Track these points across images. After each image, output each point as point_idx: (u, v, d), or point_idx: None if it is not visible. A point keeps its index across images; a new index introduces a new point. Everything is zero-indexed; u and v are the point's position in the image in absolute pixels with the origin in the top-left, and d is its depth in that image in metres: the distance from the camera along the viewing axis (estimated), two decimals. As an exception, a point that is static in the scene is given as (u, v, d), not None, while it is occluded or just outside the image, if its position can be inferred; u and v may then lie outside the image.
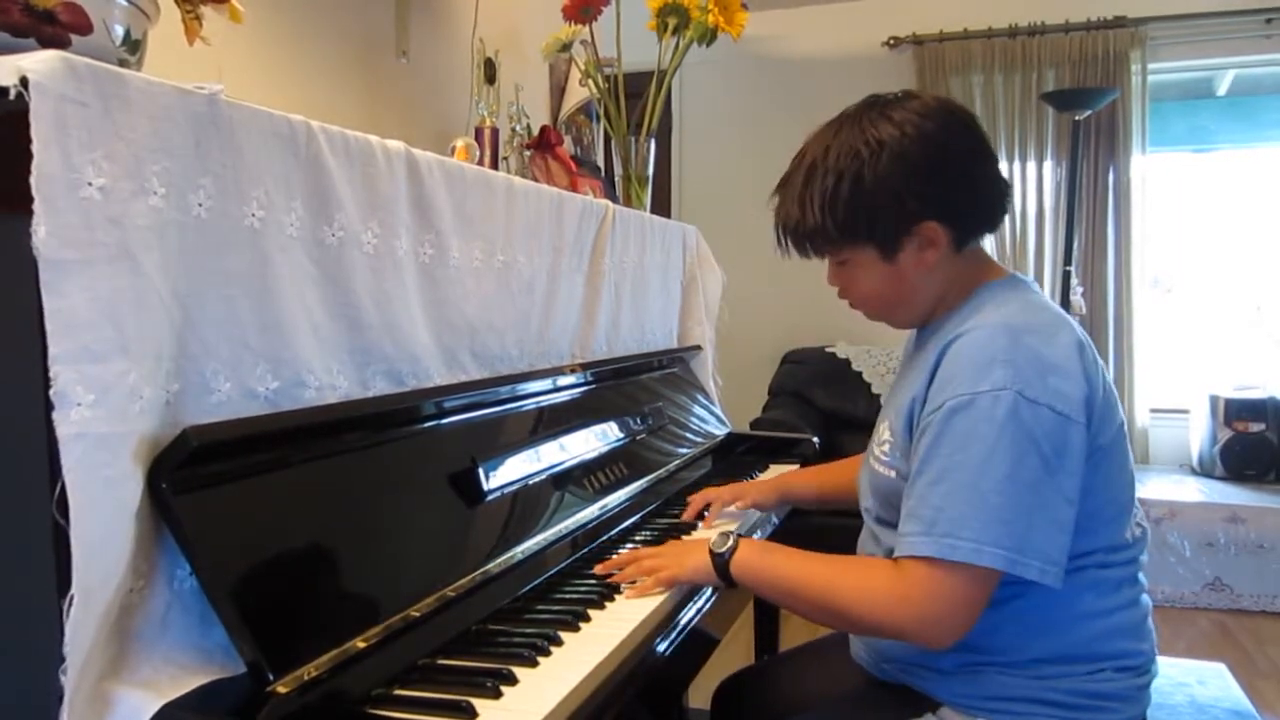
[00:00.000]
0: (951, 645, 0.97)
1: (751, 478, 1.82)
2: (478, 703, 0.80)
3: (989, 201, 1.10)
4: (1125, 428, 1.06)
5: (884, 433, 1.12)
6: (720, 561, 1.10)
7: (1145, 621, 1.09)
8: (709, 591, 1.17)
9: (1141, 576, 1.10)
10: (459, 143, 1.70)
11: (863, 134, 1.06)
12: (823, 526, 1.66)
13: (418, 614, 0.92)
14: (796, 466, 1.93)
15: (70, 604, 0.66)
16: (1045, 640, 1.03)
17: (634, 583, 1.13)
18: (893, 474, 1.08)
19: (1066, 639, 1.03)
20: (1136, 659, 1.06)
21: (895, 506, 1.07)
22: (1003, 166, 3.36)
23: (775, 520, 1.57)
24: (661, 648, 1.02)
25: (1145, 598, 1.10)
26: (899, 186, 1.04)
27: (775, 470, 1.90)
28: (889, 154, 1.04)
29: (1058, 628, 1.03)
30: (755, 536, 1.44)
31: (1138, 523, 1.09)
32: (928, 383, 1.02)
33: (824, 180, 1.07)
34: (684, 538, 1.39)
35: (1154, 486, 3.49)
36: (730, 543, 1.11)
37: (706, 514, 1.48)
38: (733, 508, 1.50)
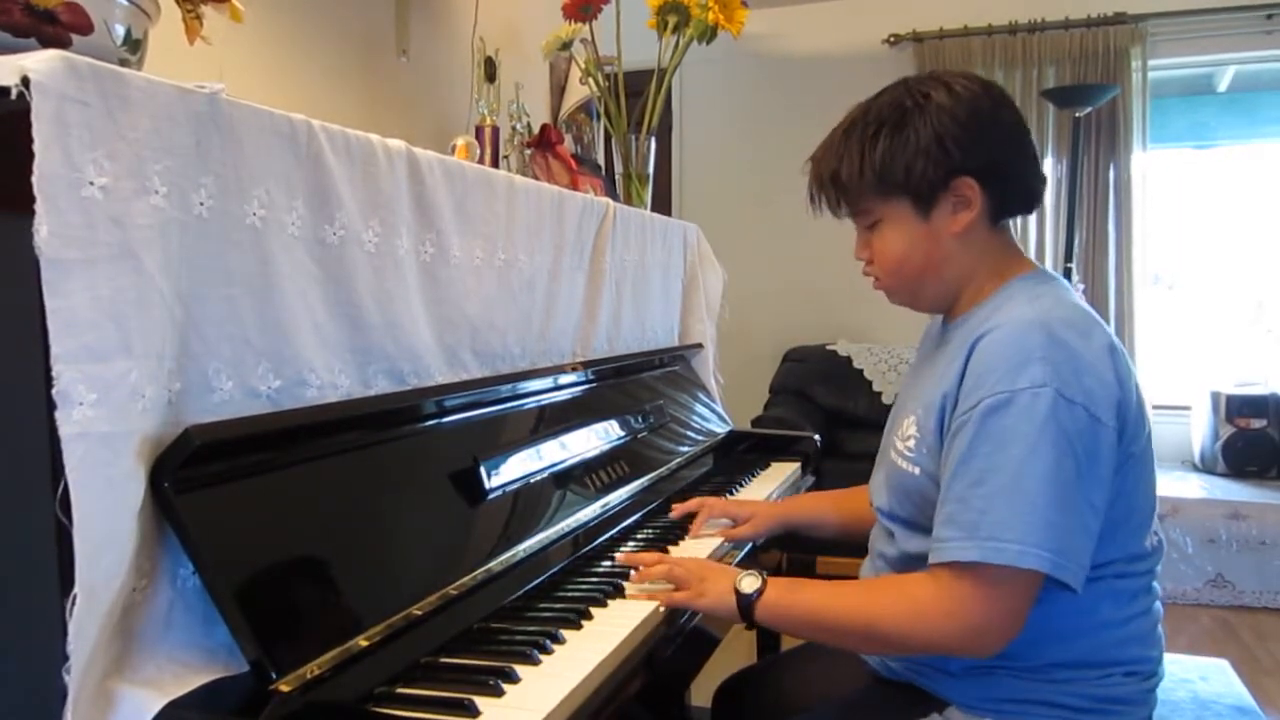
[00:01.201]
0: (1000, 651, 0.95)
1: (754, 475, 1.82)
2: (480, 701, 0.80)
3: (1027, 176, 1.08)
4: (1152, 436, 1.04)
5: (909, 428, 1.09)
6: (745, 603, 1.05)
7: (1156, 628, 1.08)
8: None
9: (1156, 585, 1.08)
10: (459, 141, 1.70)
11: (908, 91, 1.07)
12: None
13: (420, 612, 0.92)
14: (797, 465, 1.93)
15: (73, 603, 0.66)
16: (1059, 647, 1.02)
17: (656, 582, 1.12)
18: (917, 471, 1.06)
19: (1080, 646, 1.02)
20: (1146, 664, 1.05)
21: (915, 504, 1.06)
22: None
23: (756, 542, 1.45)
24: (663, 646, 1.02)
25: (1158, 605, 1.09)
26: (941, 133, 1.03)
27: (776, 469, 1.90)
28: (934, 106, 1.04)
29: (1073, 635, 1.02)
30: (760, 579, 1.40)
31: (1154, 532, 1.07)
32: (959, 379, 1.00)
33: (864, 130, 1.07)
34: (679, 545, 1.36)
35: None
36: (758, 584, 1.06)
37: (693, 523, 1.41)
38: (715, 532, 1.40)
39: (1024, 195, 1.09)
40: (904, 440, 1.10)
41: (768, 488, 1.74)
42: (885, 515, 1.16)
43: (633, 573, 1.15)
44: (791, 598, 1.05)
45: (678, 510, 1.43)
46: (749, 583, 1.06)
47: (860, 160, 1.06)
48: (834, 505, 1.46)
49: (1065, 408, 0.92)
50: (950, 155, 1.03)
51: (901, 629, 0.98)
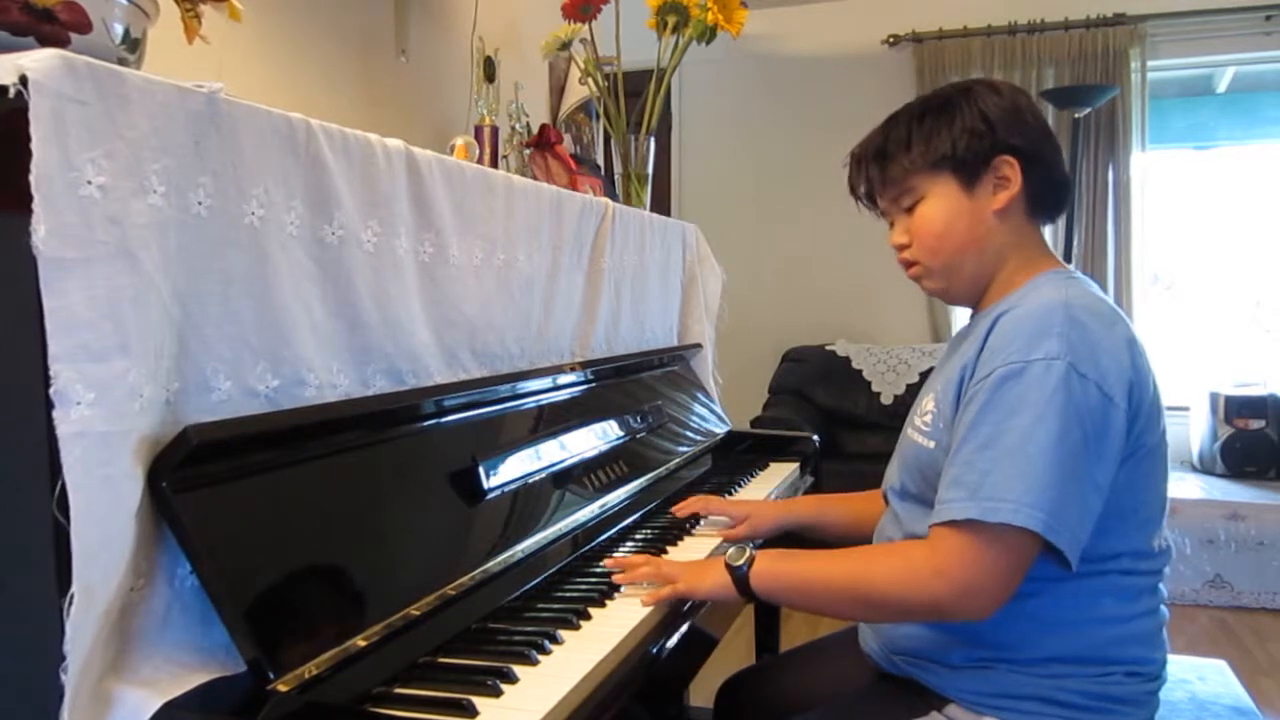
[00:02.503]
0: (990, 615, 0.96)
1: (752, 475, 1.82)
2: (478, 701, 0.80)
3: (1058, 170, 1.13)
4: (1166, 436, 1.06)
5: (927, 404, 1.12)
6: (739, 575, 1.08)
7: (1160, 631, 1.08)
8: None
9: (1162, 588, 1.09)
10: (458, 141, 1.69)
11: (952, 87, 1.14)
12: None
13: (418, 612, 0.92)
14: (796, 466, 1.93)
15: (71, 603, 0.66)
16: (1059, 640, 1.03)
17: (644, 586, 1.11)
18: (931, 445, 1.07)
19: (1080, 641, 1.03)
20: (1148, 666, 1.06)
21: (927, 480, 1.06)
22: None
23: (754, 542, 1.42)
24: (662, 647, 1.02)
25: (1164, 609, 1.09)
26: (985, 111, 1.09)
27: (775, 469, 1.90)
28: (977, 93, 1.11)
29: (1073, 628, 1.02)
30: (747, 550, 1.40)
31: (1163, 535, 1.08)
32: (978, 352, 1.02)
33: (910, 113, 1.14)
34: (678, 545, 1.36)
35: (1154, 484, 3.48)
36: (747, 554, 1.09)
37: (703, 522, 1.42)
38: (713, 532, 1.41)
39: (1056, 190, 1.13)
40: (922, 416, 1.12)
41: (767, 488, 1.74)
42: (896, 494, 1.17)
43: (615, 576, 1.13)
44: (784, 565, 1.08)
45: (682, 510, 1.43)
46: (736, 554, 1.09)
47: (908, 136, 1.12)
48: (842, 503, 1.44)
49: (1077, 381, 0.95)
50: (995, 130, 1.08)
51: (893, 588, 0.99)
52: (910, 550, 1.02)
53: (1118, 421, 0.97)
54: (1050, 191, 1.12)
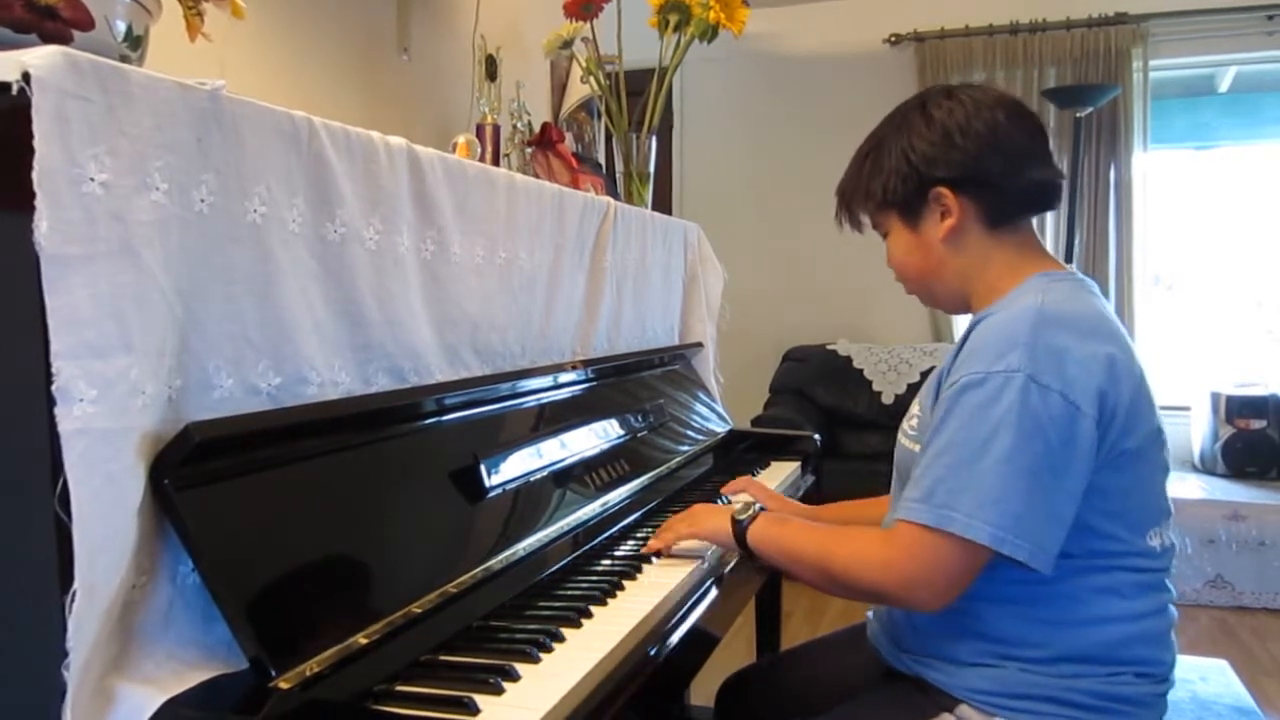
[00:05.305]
0: (939, 609, 1.00)
1: (754, 474, 1.82)
2: (480, 699, 0.80)
3: (1014, 180, 1.09)
4: (1162, 435, 1.06)
5: (914, 408, 1.16)
6: (739, 529, 1.17)
7: (1169, 633, 1.08)
8: (711, 588, 1.17)
9: (1170, 586, 1.09)
10: (460, 139, 1.69)
11: (891, 118, 1.15)
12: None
13: (420, 610, 0.92)
14: (797, 465, 1.93)
15: (73, 600, 0.66)
16: (1068, 638, 1.03)
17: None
18: (916, 448, 1.09)
19: (1090, 639, 1.03)
20: (1157, 667, 1.06)
21: None
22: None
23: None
24: (663, 645, 1.02)
25: (1172, 610, 1.09)
26: (908, 147, 1.10)
27: (776, 468, 1.90)
28: (906, 127, 1.11)
29: (1082, 626, 1.03)
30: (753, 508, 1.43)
31: (1163, 533, 1.08)
32: (954, 357, 1.05)
33: (860, 154, 1.17)
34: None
35: (1155, 484, 3.48)
36: (751, 511, 1.18)
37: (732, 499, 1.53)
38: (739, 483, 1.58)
39: (1020, 197, 1.11)
40: (909, 420, 1.16)
41: (768, 487, 1.74)
42: (896, 497, 1.17)
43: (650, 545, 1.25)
44: (776, 528, 1.16)
45: (728, 489, 1.60)
46: (742, 510, 1.19)
47: (855, 181, 1.16)
48: (854, 511, 1.43)
49: (1037, 393, 0.96)
50: (918, 168, 1.09)
51: (846, 569, 1.05)
52: (871, 538, 1.05)
53: (1085, 429, 0.97)
54: (1009, 201, 1.10)
